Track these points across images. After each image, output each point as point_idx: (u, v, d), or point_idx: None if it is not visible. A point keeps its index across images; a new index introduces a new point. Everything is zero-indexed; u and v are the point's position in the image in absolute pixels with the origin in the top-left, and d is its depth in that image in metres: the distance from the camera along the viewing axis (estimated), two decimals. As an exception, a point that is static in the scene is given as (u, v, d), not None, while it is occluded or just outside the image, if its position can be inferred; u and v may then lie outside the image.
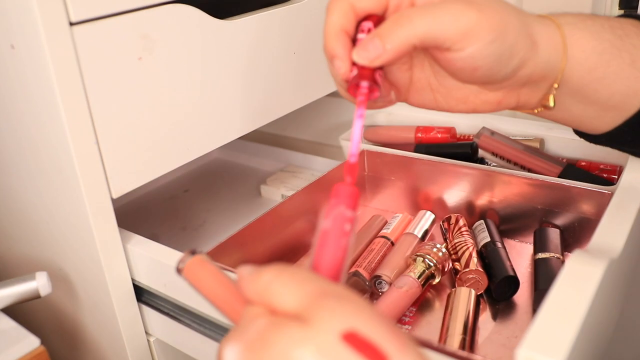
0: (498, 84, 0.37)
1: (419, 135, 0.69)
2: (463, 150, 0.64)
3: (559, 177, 0.56)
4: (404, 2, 0.35)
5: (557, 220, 0.55)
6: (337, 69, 0.35)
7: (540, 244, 0.53)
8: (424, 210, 0.61)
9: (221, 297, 0.28)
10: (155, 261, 0.47)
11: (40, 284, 0.46)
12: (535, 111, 0.40)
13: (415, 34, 0.32)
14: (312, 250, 0.29)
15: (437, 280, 0.52)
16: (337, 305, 0.23)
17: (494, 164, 0.63)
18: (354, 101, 0.34)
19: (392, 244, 0.57)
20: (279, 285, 0.25)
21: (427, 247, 0.53)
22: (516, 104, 0.39)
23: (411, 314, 0.50)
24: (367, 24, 0.34)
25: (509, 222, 0.58)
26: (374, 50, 0.33)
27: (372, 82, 0.33)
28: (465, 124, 0.70)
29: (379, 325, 0.22)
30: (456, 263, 0.52)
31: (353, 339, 0.22)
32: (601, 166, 0.59)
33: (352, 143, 0.31)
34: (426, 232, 0.59)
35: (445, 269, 0.53)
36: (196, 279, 0.29)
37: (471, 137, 0.67)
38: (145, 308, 0.51)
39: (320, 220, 0.29)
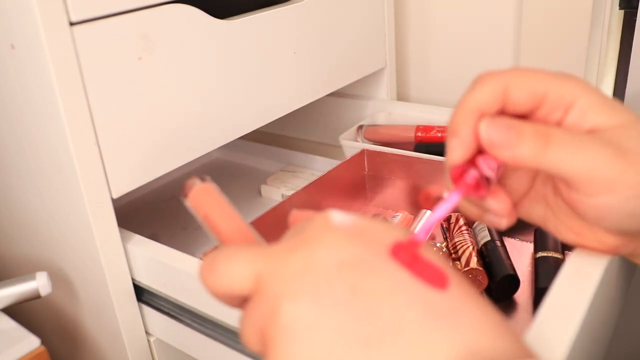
0: (620, 235, 0.31)
1: (419, 134, 0.69)
2: (463, 149, 0.64)
3: (559, 176, 0.56)
4: (555, 113, 0.29)
5: (557, 219, 0.55)
6: (450, 149, 0.29)
7: (540, 243, 0.53)
8: (424, 210, 0.61)
9: (225, 227, 0.27)
10: (156, 261, 0.47)
11: (40, 284, 0.46)
12: None
13: (547, 161, 0.27)
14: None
15: (437, 279, 0.52)
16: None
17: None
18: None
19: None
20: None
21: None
22: (633, 252, 0.33)
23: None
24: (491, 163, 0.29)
25: (509, 221, 0.58)
26: (506, 142, 0.28)
27: (481, 177, 0.29)
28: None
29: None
30: (456, 262, 0.52)
31: (399, 243, 0.23)
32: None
33: (422, 228, 0.28)
34: (426, 232, 0.59)
35: (446, 268, 0.53)
36: (201, 206, 0.28)
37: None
38: (145, 308, 0.51)
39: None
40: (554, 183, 0.32)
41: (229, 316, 0.44)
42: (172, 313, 0.49)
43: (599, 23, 0.69)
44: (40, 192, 0.49)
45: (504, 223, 0.32)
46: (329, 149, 0.85)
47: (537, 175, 0.34)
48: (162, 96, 0.48)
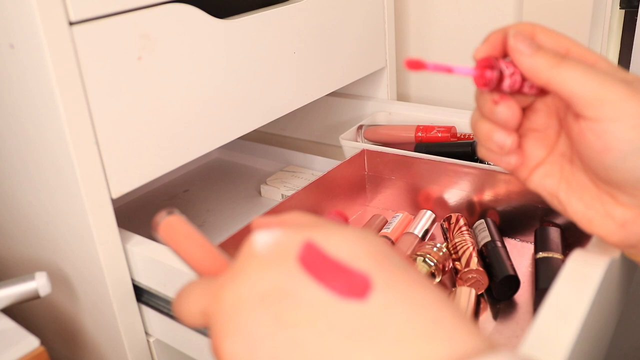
0: (629, 193, 0.31)
1: (419, 134, 0.68)
2: (463, 149, 0.64)
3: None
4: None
5: (557, 219, 0.55)
6: (477, 49, 0.33)
7: (541, 243, 0.53)
8: (425, 210, 0.61)
9: (196, 256, 0.28)
10: (155, 261, 0.47)
11: (39, 284, 0.46)
12: None
13: (555, 77, 0.29)
14: None
15: (437, 279, 0.52)
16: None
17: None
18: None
19: (393, 243, 0.57)
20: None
21: (427, 246, 0.53)
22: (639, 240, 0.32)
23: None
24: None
25: (510, 221, 0.58)
26: (526, 49, 0.30)
27: (498, 76, 0.31)
28: (466, 124, 0.69)
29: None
30: (457, 262, 0.52)
31: (310, 249, 0.23)
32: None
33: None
34: (426, 232, 0.59)
35: (446, 269, 0.53)
36: (171, 238, 0.29)
37: (471, 137, 0.67)
38: (145, 308, 0.51)
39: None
40: (571, 147, 0.34)
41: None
42: (171, 313, 0.49)
43: (600, 23, 0.69)
44: (39, 192, 0.49)
45: (512, 160, 0.34)
46: (329, 149, 0.85)
47: (556, 144, 0.35)
48: (161, 96, 0.48)
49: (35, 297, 0.47)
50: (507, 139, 0.33)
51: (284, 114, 0.61)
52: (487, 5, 0.76)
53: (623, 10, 0.68)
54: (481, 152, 0.35)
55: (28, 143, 0.47)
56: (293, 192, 0.61)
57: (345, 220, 0.34)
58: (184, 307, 0.26)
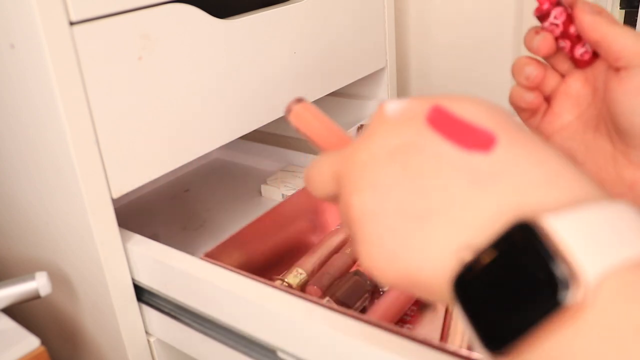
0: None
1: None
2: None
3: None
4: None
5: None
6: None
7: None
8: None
9: (325, 137, 0.32)
10: (156, 261, 0.47)
11: (40, 284, 0.46)
12: None
13: (611, 34, 0.35)
14: None
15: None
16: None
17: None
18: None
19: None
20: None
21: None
22: None
23: (412, 313, 0.50)
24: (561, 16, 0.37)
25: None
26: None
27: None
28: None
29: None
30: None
31: (438, 111, 0.24)
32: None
33: None
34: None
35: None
36: (302, 123, 0.33)
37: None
38: (145, 308, 0.51)
39: None
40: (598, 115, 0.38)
41: (229, 316, 0.44)
42: (172, 313, 0.49)
43: (599, 23, 0.69)
44: (39, 192, 0.49)
45: (532, 97, 0.39)
46: (329, 149, 0.85)
47: (585, 112, 0.39)
48: (162, 96, 0.48)
49: (35, 297, 0.47)
50: (534, 71, 0.38)
51: (284, 114, 0.61)
52: (487, 5, 0.76)
53: (623, 11, 0.68)
54: (512, 94, 0.40)
55: (28, 143, 0.47)
56: (293, 191, 0.61)
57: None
58: (316, 173, 0.28)
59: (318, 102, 0.68)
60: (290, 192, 0.68)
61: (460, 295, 0.21)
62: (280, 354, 0.42)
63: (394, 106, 0.26)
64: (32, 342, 0.45)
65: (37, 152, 0.46)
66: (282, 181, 0.75)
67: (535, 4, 0.39)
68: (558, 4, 0.37)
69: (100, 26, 0.42)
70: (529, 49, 0.38)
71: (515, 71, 0.39)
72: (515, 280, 0.20)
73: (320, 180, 0.28)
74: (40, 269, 0.53)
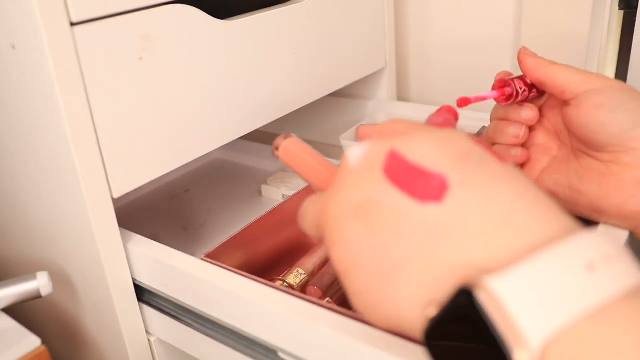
0: (628, 151, 0.37)
1: (419, 134, 0.68)
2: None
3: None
4: None
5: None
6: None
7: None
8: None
9: (313, 174, 0.32)
10: (156, 261, 0.47)
11: (41, 284, 0.46)
12: None
13: (551, 73, 0.40)
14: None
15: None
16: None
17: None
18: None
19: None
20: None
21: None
22: None
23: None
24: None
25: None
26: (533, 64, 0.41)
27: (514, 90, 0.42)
28: (465, 124, 0.70)
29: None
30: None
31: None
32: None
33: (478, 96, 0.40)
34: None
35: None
36: (290, 159, 0.33)
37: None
38: (146, 308, 0.51)
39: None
40: (571, 139, 0.42)
41: (230, 316, 0.44)
42: (172, 313, 0.50)
43: (599, 23, 0.69)
44: (40, 192, 0.49)
45: (519, 153, 0.43)
46: (329, 149, 0.85)
47: (558, 151, 0.43)
48: (162, 96, 0.48)
49: (36, 296, 0.47)
50: (520, 129, 0.43)
51: (284, 114, 0.61)
52: (487, 5, 0.76)
53: (622, 11, 0.68)
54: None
55: (29, 143, 0.47)
56: (294, 192, 0.61)
57: (455, 116, 0.38)
58: (303, 222, 0.30)
59: (318, 102, 0.68)
60: (290, 192, 0.68)
61: (430, 349, 0.22)
62: (281, 354, 0.42)
63: (355, 154, 0.27)
64: (33, 342, 0.45)
65: (38, 152, 0.46)
66: (282, 181, 0.75)
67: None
68: (509, 81, 0.42)
69: (101, 27, 0.42)
70: (515, 119, 0.43)
71: (496, 134, 0.44)
72: (468, 343, 0.21)
73: (307, 227, 0.30)
74: (42, 268, 0.53)
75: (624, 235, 0.37)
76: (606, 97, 0.38)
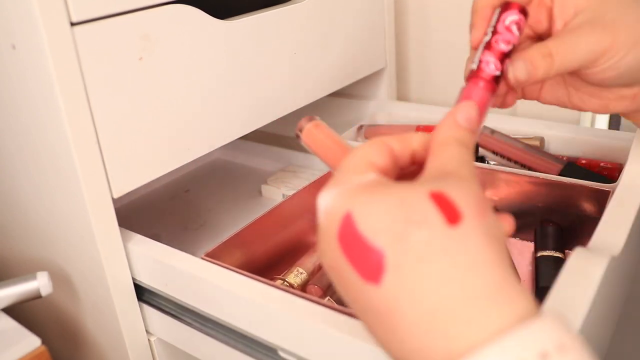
0: (630, 85, 0.38)
1: (419, 134, 0.68)
2: (463, 149, 0.64)
3: (559, 175, 0.56)
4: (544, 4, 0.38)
5: (557, 218, 0.55)
6: (471, 35, 0.38)
7: (541, 242, 0.53)
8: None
9: (336, 156, 0.33)
10: (157, 261, 0.47)
11: (41, 283, 0.47)
12: None
13: (557, 70, 0.36)
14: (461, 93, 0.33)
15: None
16: (450, 179, 0.26)
17: (494, 162, 0.63)
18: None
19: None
20: (447, 152, 0.28)
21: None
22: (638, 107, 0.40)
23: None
24: (514, 18, 0.35)
25: (510, 221, 0.58)
26: (532, 70, 0.35)
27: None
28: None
29: (469, 195, 0.25)
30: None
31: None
32: (602, 164, 0.59)
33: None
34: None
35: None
36: (313, 141, 0.34)
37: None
38: (146, 307, 0.51)
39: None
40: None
41: (230, 315, 0.44)
42: (173, 313, 0.50)
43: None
44: (40, 192, 0.49)
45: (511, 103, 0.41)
46: (329, 149, 0.85)
47: None
48: (162, 96, 0.48)
49: (36, 296, 0.47)
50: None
51: (284, 114, 0.61)
52: (487, 5, 0.76)
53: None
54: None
55: (29, 143, 0.47)
56: (294, 191, 0.61)
57: (525, 16, 0.35)
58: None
59: (318, 102, 0.68)
60: (290, 192, 0.68)
61: None
62: (281, 353, 0.42)
63: (322, 205, 0.27)
64: (33, 342, 0.45)
65: (38, 152, 0.46)
66: (282, 181, 0.75)
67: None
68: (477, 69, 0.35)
69: (101, 27, 0.42)
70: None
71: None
72: None
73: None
74: (42, 268, 0.53)
75: (603, 261, 0.34)
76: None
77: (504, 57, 0.34)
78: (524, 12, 0.35)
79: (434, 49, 0.83)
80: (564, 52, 0.35)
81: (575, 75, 0.39)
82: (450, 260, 0.22)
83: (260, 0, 0.58)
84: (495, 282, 0.22)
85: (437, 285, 0.22)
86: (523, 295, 0.22)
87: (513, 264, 0.24)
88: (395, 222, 0.24)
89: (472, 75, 0.34)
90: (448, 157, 0.27)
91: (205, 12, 0.50)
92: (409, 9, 0.83)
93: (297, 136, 0.34)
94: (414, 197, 0.24)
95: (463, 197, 0.24)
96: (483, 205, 0.25)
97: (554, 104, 0.41)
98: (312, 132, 0.33)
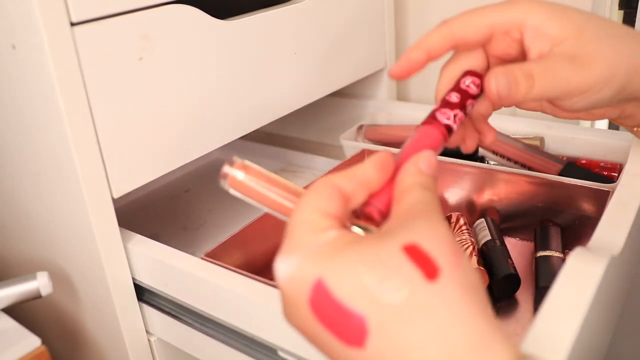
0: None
1: (419, 134, 0.68)
2: (463, 149, 0.64)
3: (559, 175, 0.56)
4: (511, 36, 0.37)
5: (557, 218, 0.55)
6: (394, 65, 0.39)
7: (541, 242, 0.53)
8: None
9: (271, 200, 0.30)
10: (156, 261, 0.47)
11: (41, 283, 0.47)
12: (635, 129, 0.41)
13: (535, 94, 0.34)
14: (405, 145, 0.32)
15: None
16: (419, 224, 0.25)
17: (494, 162, 0.63)
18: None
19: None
20: (411, 197, 0.28)
21: None
22: (619, 116, 0.40)
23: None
24: (472, 80, 0.36)
25: (510, 221, 0.58)
26: (517, 90, 0.34)
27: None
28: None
29: (442, 243, 0.24)
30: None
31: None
32: (601, 164, 0.59)
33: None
34: (427, 231, 0.59)
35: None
36: (243, 189, 0.31)
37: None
38: (146, 307, 0.51)
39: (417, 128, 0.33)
40: None
41: (230, 315, 0.44)
42: (172, 312, 0.50)
43: (599, 23, 0.69)
44: (40, 192, 0.49)
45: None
46: (329, 149, 0.85)
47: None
48: (162, 96, 0.48)
49: (36, 296, 0.47)
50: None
51: (284, 114, 0.62)
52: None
53: (622, 11, 0.68)
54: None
55: (29, 143, 0.47)
56: (293, 191, 0.61)
57: (480, 79, 0.36)
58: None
59: (318, 102, 0.68)
60: (290, 192, 0.68)
61: None
62: (281, 353, 0.42)
63: (283, 274, 0.26)
64: (33, 342, 0.45)
65: (38, 153, 0.46)
66: (282, 181, 0.75)
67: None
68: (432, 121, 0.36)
69: (101, 27, 0.42)
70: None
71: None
72: None
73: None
74: (42, 268, 0.53)
75: (603, 260, 0.36)
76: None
77: (454, 107, 0.35)
78: (477, 75, 0.37)
79: (434, 49, 0.83)
80: (543, 76, 0.34)
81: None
82: (433, 318, 0.22)
83: (260, 0, 0.58)
84: (478, 335, 0.22)
85: (422, 343, 0.22)
86: (506, 345, 0.22)
87: (492, 310, 0.23)
88: (372, 284, 0.23)
89: (428, 121, 0.35)
90: (413, 201, 0.27)
91: (205, 12, 0.50)
92: (409, 9, 0.83)
93: (222, 184, 0.31)
94: (386, 253, 0.24)
95: (436, 246, 0.24)
96: (457, 254, 0.24)
97: (530, 110, 0.41)
98: (238, 180, 0.30)
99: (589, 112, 0.40)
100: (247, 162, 0.31)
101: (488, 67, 0.39)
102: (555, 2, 0.36)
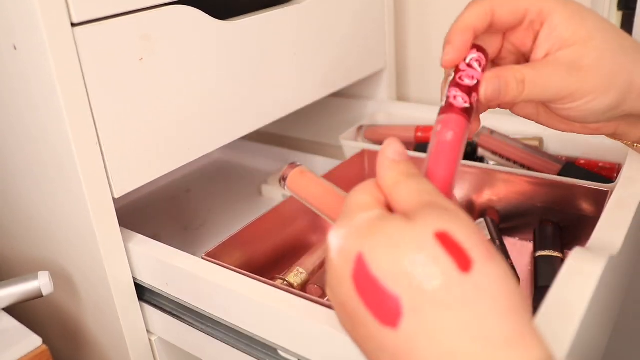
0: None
1: (419, 134, 0.69)
2: (463, 149, 0.64)
3: (558, 175, 0.56)
4: (534, 27, 0.37)
5: (556, 218, 0.55)
6: (445, 53, 0.38)
7: (540, 242, 0.53)
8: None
9: (324, 202, 0.32)
10: (157, 260, 0.47)
11: (42, 283, 0.47)
12: (634, 145, 0.42)
13: (525, 98, 0.35)
14: (427, 159, 0.32)
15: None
16: (441, 212, 0.26)
17: (493, 162, 0.63)
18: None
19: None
20: (404, 188, 0.28)
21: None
22: (614, 132, 0.41)
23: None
24: (474, 56, 0.36)
25: (509, 220, 0.58)
26: (509, 91, 0.35)
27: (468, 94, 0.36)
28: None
29: (472, 235, 0.25)
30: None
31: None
32: (600, 164, 0.59)
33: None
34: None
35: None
36: (299, 189, 0.33)
37: (471, 136, 0.67)
38: (147, 307, 0.52)
39: (435, 131, 0.33)
40: None
41: (230, 315, 0.44)
42: (173, 312, 0.50)
43: (598, 23, 0.69)
44: (42, 192, 0.49)
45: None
46: (329, 149, 0.85)
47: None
48: (163, 97, 0.48)
49: (38, 296, 0.47)
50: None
51: (284, 115, 0.62)
52: (487, 5, 0.76)
53: (621, 12, 0.68)
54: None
55: (30, 143, 0.47)
56: (294, 191, 0.61)
57: (485, 55, 0.36)
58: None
59: (318, 102, 0.68)
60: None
61: None
62: (281, 353, 0.42)
63: (333, 245, 0.27)
64: (34, 341, 0.45)
65: (40, 153, 0.46)
66: (282, 181, 0.75)
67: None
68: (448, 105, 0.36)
69: (101, 27, 0.42)
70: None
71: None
72: None
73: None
74: (43, 268, 0.53)
75: (602, 260, 0.35)
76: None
77: (470, 91, 0.35)
78: (482, 50, 0.37)
79: (434, 49, 0.83)
80: (535, 83, 0.35)
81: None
82: (469, 307, 0.23)
83: (260, 0, 0.58)
84: (513, 328, 0.23)
85: (456, 330, 0.23)
86: (539, 342, 0.23)
87: (529, 303, 0.24)
88: (407, 266, 0.24)
89: (444, 110, 0.35)
90: (412, 191, 0.28)
91: (206, 12, 0.50)
92: (409, 9, 0.83)
93: (281, 184, 0.33)
94: (420, 238, 0.24)
95: (467, 238, 0.24)
96: (488, 246, 0.25)
97: (524, 117, 0.42)
98: (297, 179, 0.33)
99: (584, 126, 0.40)
100: (304, 167, 0.34)
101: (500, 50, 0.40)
102: (577, 2, 0.36)
